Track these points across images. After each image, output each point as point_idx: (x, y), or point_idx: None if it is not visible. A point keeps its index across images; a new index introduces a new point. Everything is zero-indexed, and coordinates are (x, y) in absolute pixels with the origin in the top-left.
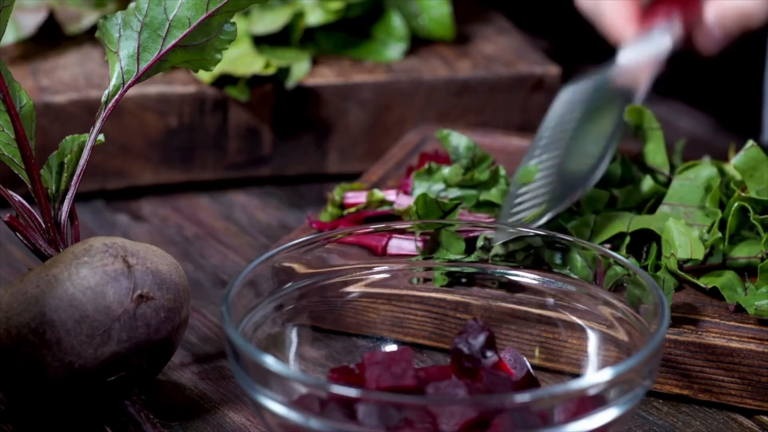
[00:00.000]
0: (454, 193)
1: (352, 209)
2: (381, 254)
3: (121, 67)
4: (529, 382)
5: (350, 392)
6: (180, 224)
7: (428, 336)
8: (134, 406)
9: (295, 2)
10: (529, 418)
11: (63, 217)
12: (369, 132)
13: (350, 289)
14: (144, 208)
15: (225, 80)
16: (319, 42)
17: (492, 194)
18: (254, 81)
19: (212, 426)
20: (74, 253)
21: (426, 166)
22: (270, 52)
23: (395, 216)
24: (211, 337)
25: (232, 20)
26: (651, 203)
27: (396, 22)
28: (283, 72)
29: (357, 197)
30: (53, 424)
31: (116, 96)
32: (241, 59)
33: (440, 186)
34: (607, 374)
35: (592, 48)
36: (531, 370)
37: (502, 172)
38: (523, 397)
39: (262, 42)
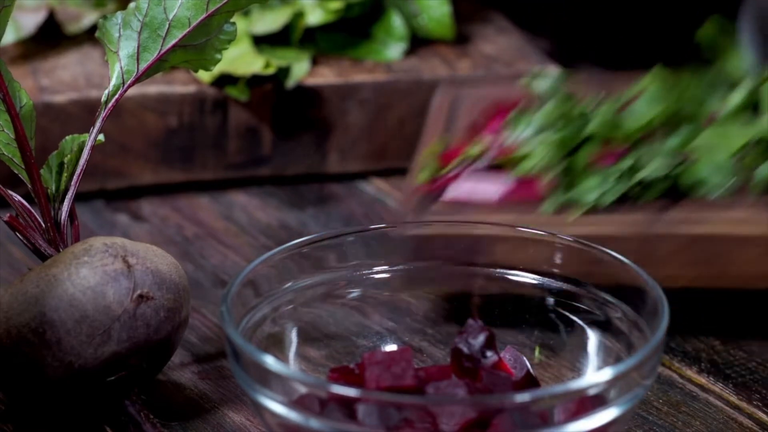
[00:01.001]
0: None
1: (455, 162)
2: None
3: (121, 67)
4: (529, 382)
5: (350, 392)
6: (180, 224)
7: None
8: (134, 406)
9: (295, 2)
10: (529, 418)
11: (63, 217)
12: (369, 132)
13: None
14: (144, 208)
15: (225, 80)
16: (319, 42)
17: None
18: (254, 81)
19: (212, 426)
20: (74, 253)
21: (518, 107)
22: (270, 52)
23: (498, 165)
24: (211, 337)
25: (232, 20)
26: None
27: (396, 21)
28: (283, 72)
29: (456, 151)
30: (53, 424)
31: (116, 96)
32: (241, 59)
33: (532, 129)
34: (607, 374)
35: (592, 48)
36: (531, 370)
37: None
38: (523, 397)
39: (262, 42)
